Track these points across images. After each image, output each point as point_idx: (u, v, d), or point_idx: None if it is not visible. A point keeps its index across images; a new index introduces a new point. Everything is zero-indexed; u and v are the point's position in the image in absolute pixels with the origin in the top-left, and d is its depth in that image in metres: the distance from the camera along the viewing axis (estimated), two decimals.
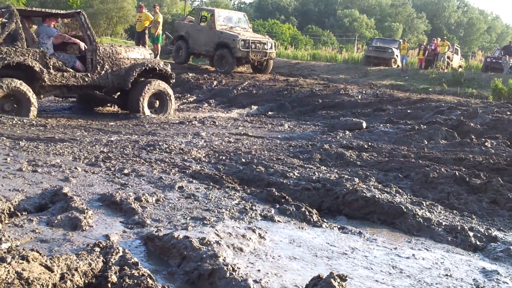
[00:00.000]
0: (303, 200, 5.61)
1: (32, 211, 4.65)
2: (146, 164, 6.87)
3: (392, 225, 5.11)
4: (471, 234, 4.85)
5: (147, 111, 11.87)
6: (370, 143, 9.20)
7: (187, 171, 6.56)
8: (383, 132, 10.59)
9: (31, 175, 5.83)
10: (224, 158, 7.54)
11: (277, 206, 5.32)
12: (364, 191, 5.61)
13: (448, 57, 27.40)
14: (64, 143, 7.92)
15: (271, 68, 22.06)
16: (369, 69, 25.15)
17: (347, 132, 10.65)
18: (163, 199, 5.22)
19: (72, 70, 11.09)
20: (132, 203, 4.92)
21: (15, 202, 4.68)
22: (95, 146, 7.85)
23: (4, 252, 3.26)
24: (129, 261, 3.53)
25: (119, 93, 12.30)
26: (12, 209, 4.49)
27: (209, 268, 3.49)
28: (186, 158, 7.42)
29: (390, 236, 4.86)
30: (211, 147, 8.38)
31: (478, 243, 4.75)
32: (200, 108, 14.59)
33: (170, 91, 12.42)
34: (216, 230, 4.37)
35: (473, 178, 6.56)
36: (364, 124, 11.42)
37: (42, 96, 11.12)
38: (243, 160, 7.37)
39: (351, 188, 5.71)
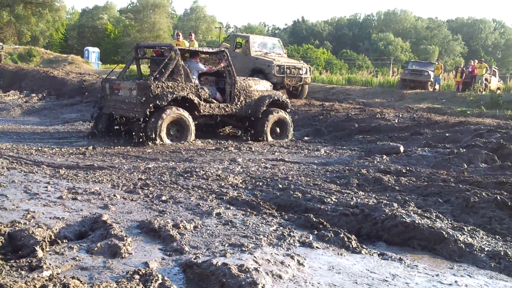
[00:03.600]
0: (341, 226, 5.56)
1: (72, 238, 4.70)
2: (184, 190, 6.91)
3: (433, 251, 5.02)
4: None
5: (270, 137, 13.48)
6: (408, 168, 9.09)
7: (225, 198, 6.57)
8: (421, 156, 10.46)
9: (71, 203, 5.92)
10: (261, 184, 7.53)
11: (315, 232, 5.28)
12: (404, 216, 5.53)
13: (486, 79, 27.03)
14: (103, 171, 8.03)
15: (306, 93, 22.06)
16: (405, 93, 24.92)
17: (384, 157, 10.55)
18: (201, 226, 5.23)
19: (215, 101, 12.76)
20: (170, 230, 4.94)
21: (56, 229, 4.74)
22: (133, 173, 7.93)
23: (46, 280, 3.30)
24: None
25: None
26: (53, 237, 4.55)
27: None
28: (223, 184, 7.43)
29: (431, 262, 4.77)
30: (248, 173, 8.39)
31: None
32: (236, 134, 14.62)
33: (289, 118, 14.10)
34: (255, 256, 4.35)
35: None
36: (402, 148, 11.30)
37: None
38: (280, 186, 7.35)
39: (390, 213, 5.64)
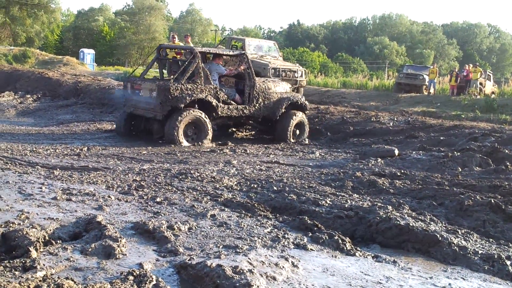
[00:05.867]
0: (336, 228, 5.56)
1: (66, 239, 4.69)
2: (178, 192, 6.90)
3: (427, 253, 5.03)
4: (508, 263, 4.75)
5: (291, 138, 13.79)
6: (402, 171, 9.11)
7: (219, 199, 6.56)
8: (416, 159, 10.48)
9: (66, 204, 5.90)
10: (255, 186, 7.53)
11: (310, 234, 5.28)
12: (398, 219, 5.54)
13: (481, 83, 27.10)
14: (98, 172, 8.01)
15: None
16: (400, 96, 25.00)
17: (379, 160, 10.56)
18: (195, 227, 5.23)
19: (234, 103, 12.98)
20: (164, 231, 4.93)
21: (50, 230, 4.73)
22: (128, 175, 7.92)
23: (40, 281, 3.29)
24: None
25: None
26: (47, 238, 4.53)
27: None
28: (217, 186, 7.43)
29: (425, 265, 4.78)
30: (243, 175, 8.38)
31: None
32: (231, 137, 14.63)
33: (306, 120, 14.45)
34: (249, 258, 4.34)
35: (509, 205, 6.43)
36: (396, 151, 11.31)
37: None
38: (275, 188, 7.36)
39: (384, 216, 5.65)
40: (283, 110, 13.65)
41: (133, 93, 12.68)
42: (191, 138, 12.13)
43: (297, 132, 14.08)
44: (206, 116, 12.19)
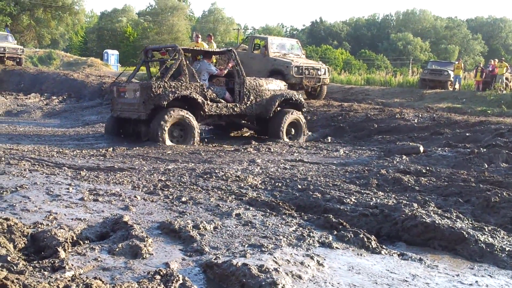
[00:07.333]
0: (361, 226, 5.55)
1: (94, 239, 4.74)
2: (203, 192, 6.93)
3: (454, 251, 4.99)
4: None
5: (285, 138, 13.32)
6: (428, 168, 9.04)
7: (244, 198, 6.58)
8: (441, 156, 10.40)
9: (93, 204, 5.97)
10: (280, 184, 7.54)
11: (335, 232, 5.27)
12: (424, 216, 5.51)
13: (507, 78, 26.77)
14: (123, 172, 8.09)
15: (325, 93, 22.01)
16: (424, 92, 24.77)
17: (404, 157, 10.50)
18: (221, 227, 5.25)
19: (223, 101, 12.67)
20: (190, 230, 4.96)
21: (78, 231, 4.78)
22: (153, 175, 7.98)
23: (69, 281, 3.34)
24: None
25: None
26: (75, 238, 4.59)
27: None
28: (242, 185, 7.45)
29: (452, 262, 4.74)
30: (267, 174, 8.40)
31: None
32: (255, 135, 14.65)
33: (303, 119, 13.99)
34: (274, 257, 4.35)
35: None
36: (422, 148, 11.24)
37: (198, 123, 12.36)
38: (299, 186, 7.36)
39: (410, 213, 5.62)
40: (276, 108, 13.30)
41: (119, 96, 12.45)
42: (177, 139, 11.80)
43: (293, 131, 13.67)
44: (193, 116, 11.90)
